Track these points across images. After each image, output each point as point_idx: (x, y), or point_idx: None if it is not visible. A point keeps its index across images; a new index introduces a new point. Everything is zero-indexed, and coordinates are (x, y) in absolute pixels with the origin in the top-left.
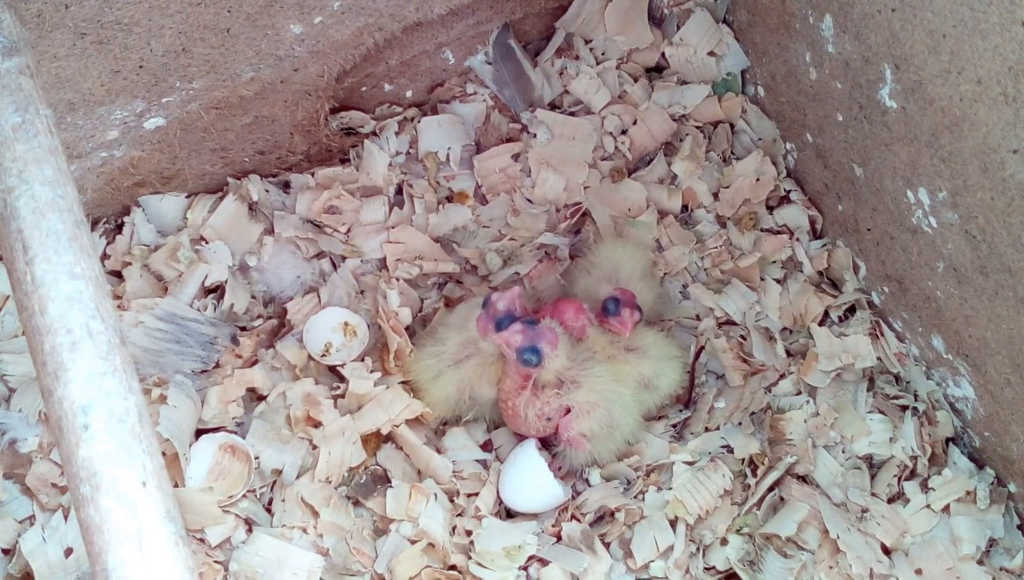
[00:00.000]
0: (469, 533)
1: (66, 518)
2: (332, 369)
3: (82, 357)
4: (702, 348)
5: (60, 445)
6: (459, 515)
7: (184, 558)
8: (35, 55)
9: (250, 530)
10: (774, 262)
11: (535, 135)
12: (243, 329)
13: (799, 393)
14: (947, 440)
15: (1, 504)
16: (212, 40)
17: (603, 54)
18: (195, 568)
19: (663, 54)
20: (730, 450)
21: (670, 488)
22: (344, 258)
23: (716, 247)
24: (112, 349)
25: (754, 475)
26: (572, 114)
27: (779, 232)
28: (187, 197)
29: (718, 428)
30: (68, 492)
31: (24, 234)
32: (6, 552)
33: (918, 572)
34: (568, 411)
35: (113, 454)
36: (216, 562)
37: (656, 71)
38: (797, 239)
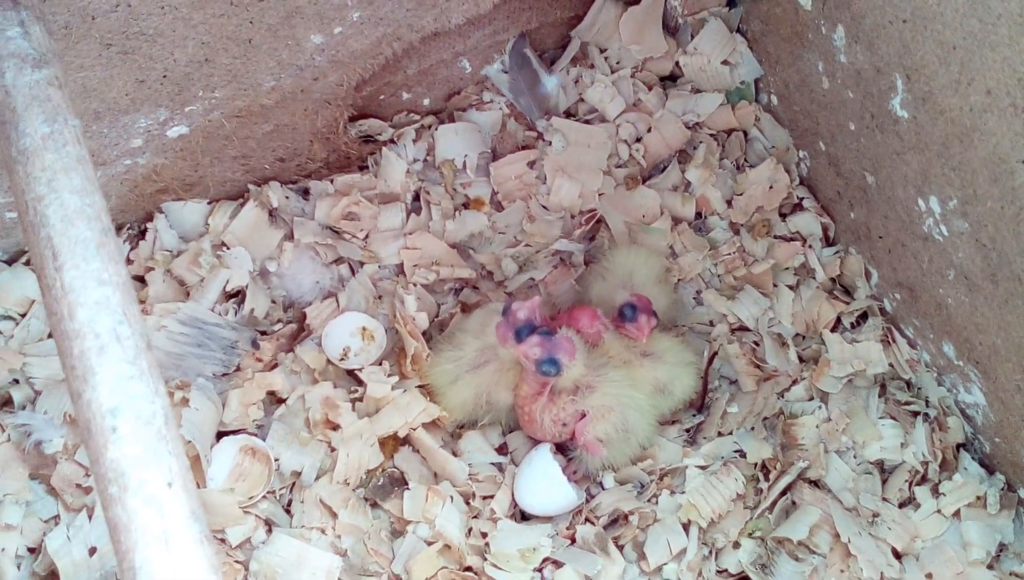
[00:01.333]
0: (485, 535)
1: (90, 518)
2: (350, 373)
3: (110, 361)
4: (715, 354)
5: (88, 447)
6: (475, 517)
7: (209, 557)
8: (62, 66)
9: (270, 531)
10: (787, 269)
11: (550, 143)
12: (263, 333)
13: (811, 398)
14: (958, 446)
15: (27, 504)
16: (234, 50)
17: (618, 63)
18: (219, 567)
19: (677, 63)
20: (743, 455)
21: (683, 492)
22: (362, 264)
23: (729, 254)
24: (139, 353)
25: (766, 479)
26: (587, 122)
27: (792, 239)
28: (209, 204)
29: (731, 433)
30: (92, 493)
31: (53, 241)
32: (32, 551)
33: (928, 576)
34: (584, 415)
35: (140, 456)
36: (237, 562)
37: (670, 80)
38: (810, 246)
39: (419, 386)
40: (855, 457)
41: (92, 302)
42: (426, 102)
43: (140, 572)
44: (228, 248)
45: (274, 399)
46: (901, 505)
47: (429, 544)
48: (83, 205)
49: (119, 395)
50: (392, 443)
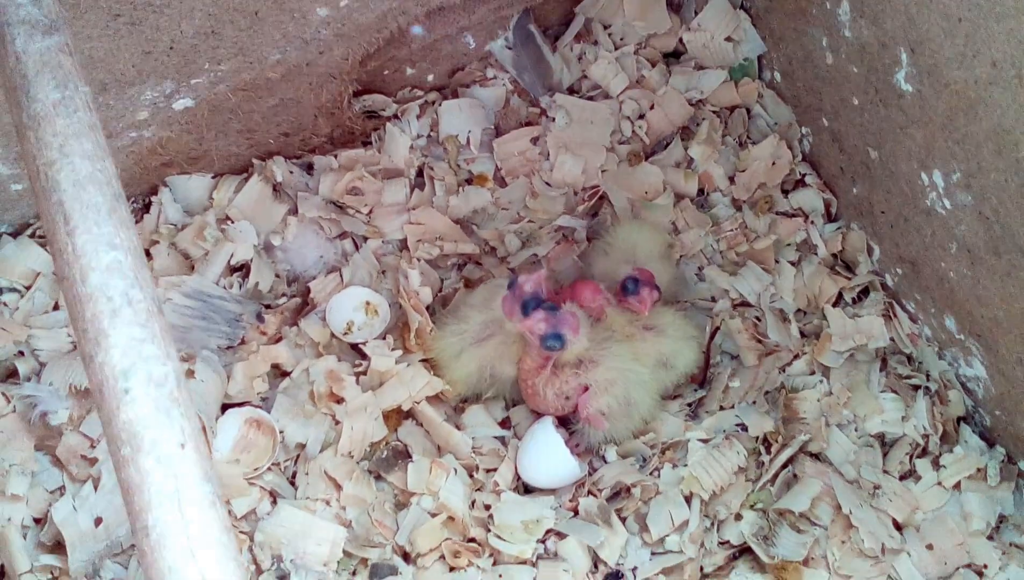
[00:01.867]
0: (488, 507)
1: (96, 489)
2: (354, 347)
3: (122, 324)
4: (717, 329)
5: (101, 409)
6: (478, 490)
7: (221, 517)
8: (71, 33)
9: (275, 502)
10: (789, 245)
11: (554, 119)
12: (268, 307)
13: (813, 373)
14: (958, 419)
15: (32, 475)
16: (241, 22)
17: (621, 39)
18: (232, 529)
19: (681, 39)
20: (744, 428)
21: (685, 465)
22: (366, 238)
23: (732, 230)
24: (151, 317)
25: (768, 453)
26: (590, 98)
27: (794, 215)
28: (213, 178)
29: (733, 407)
30: (98, 464)
31: (65, 206)
32: (38, 521)
33: (929, 547)
34: (586, 389)
35: (152, 417)
36: (242, 532)
37: (674, 56)
38: (812, 222)
39: (423, 360)
40: (856, 430)
41: (104, 266)
42: (430, 78)
43: (153, 532)
44: (232, 222)
45: (278, 372)
46: (902, 477)
47: (433, 516)
48: (94, 170)
49: (131, 357)
50: (396, 416)
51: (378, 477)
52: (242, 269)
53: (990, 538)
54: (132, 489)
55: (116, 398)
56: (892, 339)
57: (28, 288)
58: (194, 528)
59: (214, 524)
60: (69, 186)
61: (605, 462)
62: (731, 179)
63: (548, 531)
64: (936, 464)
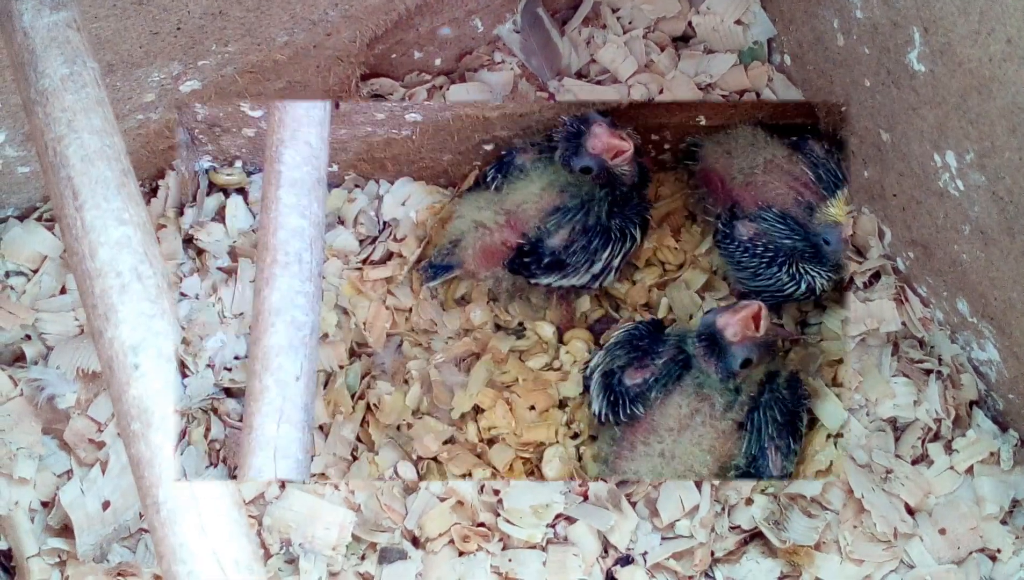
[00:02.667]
0: (497, 492)
1: (103, 472)
2: None
3: (131, 299)
4: None
5: (111, 385)
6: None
7: (232, 492)
8: (79, 9)
9: (283, 486)
10: None
11: None
12: None
13: None
14: (971, 403)
15: (40, 458)
16: (248, 3)
17: (630, 23)
18: (242, 504)
19: (690, 23)
20: None
21: None
22: None
23: None
24: (160, 293)
25: None
26: (599, 83)
27: None
28: None
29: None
30: (105, 447)
31: (74, 181)
32: (45, 505)
33: (942, 532)
34: None
35: (163, 392)
36: (250, 516)
37: (683, 40)
38: None
39: None
40: (868, 415)
41: (113, 241)
42: (438, 62)
43: (163, 507)
44: None
45: None
46: (914, 462)
47: (442, 500)
48: (103, 145)
49: (141, 332)
50: None
51: None
52: None
53: (1003, 522)
54: (142, 464)
55: (126, 373)
56: (904, 323)
57: (35, 271)
58: (205, 503)
59: (225, 499)
60: (78, 161)
61: None
62: None
63: (558, 516)
64: (948, 448)
